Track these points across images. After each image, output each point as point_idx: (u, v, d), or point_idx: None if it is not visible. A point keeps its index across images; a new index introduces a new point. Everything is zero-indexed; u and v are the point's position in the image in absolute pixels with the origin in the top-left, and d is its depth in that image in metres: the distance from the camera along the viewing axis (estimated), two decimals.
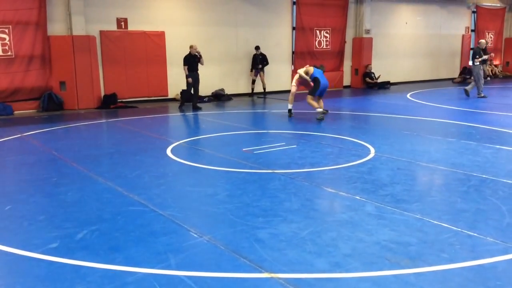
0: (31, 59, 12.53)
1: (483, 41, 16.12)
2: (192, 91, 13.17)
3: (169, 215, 4.84)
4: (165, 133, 10.14)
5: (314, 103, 10.91)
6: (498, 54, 24.26)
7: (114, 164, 7.04)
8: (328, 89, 11.36)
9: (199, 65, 13.01)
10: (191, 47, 12.92)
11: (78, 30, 12.85)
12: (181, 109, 13.11)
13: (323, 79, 10.94)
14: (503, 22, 23.96)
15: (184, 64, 12.85)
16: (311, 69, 11.10)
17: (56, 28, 12.86)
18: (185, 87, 14.73)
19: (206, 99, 14.88)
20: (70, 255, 3.93)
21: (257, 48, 15.86)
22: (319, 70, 11.12)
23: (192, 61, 12.86)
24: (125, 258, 3.87)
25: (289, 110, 11.46)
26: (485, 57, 15.23)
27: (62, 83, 12.92)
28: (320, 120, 10.61)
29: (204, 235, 4.31)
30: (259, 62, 15.91)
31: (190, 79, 12.84)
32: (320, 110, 10.86)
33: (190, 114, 12.50)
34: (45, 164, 7.13)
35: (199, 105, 13.41)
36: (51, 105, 12.74)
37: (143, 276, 3.57)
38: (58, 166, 6.95)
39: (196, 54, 12.91)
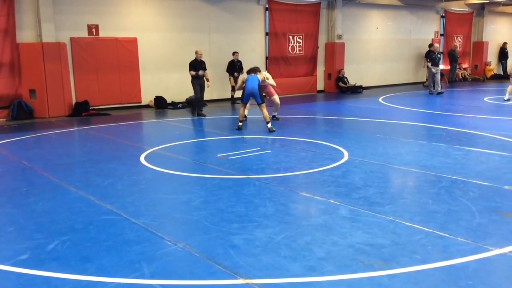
0: (0, 67, 12.26)
1: (436, 45, 18.51)
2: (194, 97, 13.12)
3: (143, 223, 4.78)
4: (139, 140, 10.04)
5: (240, 112, 10.38)
6: (467, 58, 24.83)
7: (86, 173, 6.93)
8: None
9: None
10: (196, 52, 12.83)
11: (48, 37, 12.62)
12: (194, 113, 12.98)
13: (250, 84, 10.07)
14: (471, 26, 24.53)
15: (190, 69, 12.71)
16: (246, 76, 10.40)
17: (25, 35, 12.61)
18: (159, 94, 14.73)
19: (180, 105, 14.81)
20: (40, 267, 3.84)
21: (235, 53, 15.56)
22: (253, 75, 10.19)
23: (198, 66, 12.73)
24: (97, 268, 3.81)
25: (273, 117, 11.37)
26: (429, 64, 17.55)
27: (32, 91, 12.66)
28: (237, 129, 10.12)
29: (179, 242, 4.28)
30: (238, 68, 15.60)
31: (194, 73, 12.62)
32: (240, 124, 10.21)
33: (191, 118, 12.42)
34: (14, 174, 6.97)
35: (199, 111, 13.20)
36: (21, 114, 12.47)
37: (116, 286, 3.52)
38: (28, 176, 6.80)
39: (202, 59, 12.83)
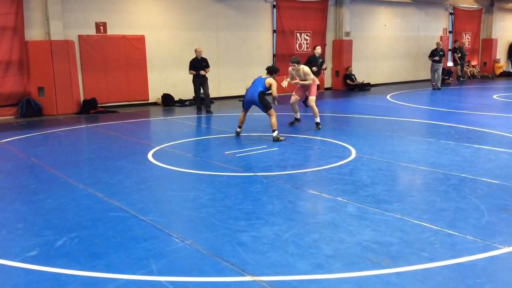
0: (9, 65, 12.34)
1: (438, 42, 19.52)
2: (199, 95, 13.01)
3: (151, 220, 4.80)
4: (146, 137, 10.08)
5: (240, 118, 9.36)
6: (475, 55, 24.66)
7: (94, 170, 6.96)
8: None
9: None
10: (195, 50, 12.84)
11: (56, 35, 12.69)
12: (198, 111, 12.96)
13: (251, 90, 9.08)
14: (480, 23, 24.35)
15: (190, 68, 12.74)
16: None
17: (34, 33, 12.69)
18: (166, 91, 14.78)
19: (187, 103, 14.83)
20: (49, 263, 3.87)
21: (316, 47, 13.73)
22: (261, 78, 9.12)
23: (198, 65, 12.71)
24: (105, 264, 3.83)
25: (296, 119, 10.40)
26: (436, 58, 18.39)
27: (41, 89, 12.74)
28: (235, 135, 9.23)
29: (186, 239, 4.29)
30: (320, 63, 13.67)
31: (194, 72, 12.68)
32: (238, 130, 9.24)
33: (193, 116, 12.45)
34: (23, 171, 7.02)
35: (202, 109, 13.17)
36: (30, 111, 12.55)
37: (124, 283, 3.53)
38: (37, 173, 6.84)
39: (202, 58, 12.80)
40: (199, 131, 10.83)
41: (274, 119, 8.91)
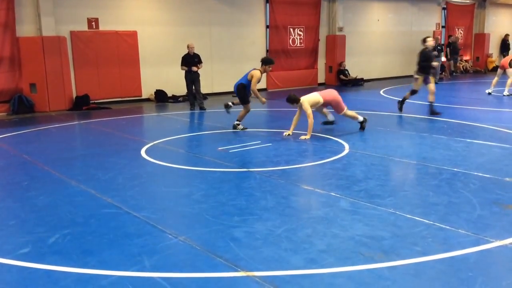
0: (0, 61, 12.24)
1: (437, 37, 19.88)
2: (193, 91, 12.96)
3: (144, 216, 4.79)
4: (139, 134, 10.04)
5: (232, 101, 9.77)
6: (468, 50, 24.73)
7: (87, 167, 6.93)
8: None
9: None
10: (188, 46, 12.76)
11: (48, 31, 12.60)
12: (192, 107, 12.95)
13: (236, 82, 9.57)
14: (472, 18, 24.42)
15: (182, 64, 12.68)
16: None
17: (25, 29, 12.59)
18: (159, 87, 14.74)
19: (180, 99, 14.79)
20: (42, 260, 3.85)
21: (427, 38, 11.25)
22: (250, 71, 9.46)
23: (190, 60, 12.64)
24: (98, 261, 3.82)
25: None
26: (435, 53, 17.53)
27: (33, 85, 12.66)
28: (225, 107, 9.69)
29: (179, 235, 4.28)
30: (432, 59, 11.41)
31: (186, 68, 12.64)
32: (229, 103, 9.66)
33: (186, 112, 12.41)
34: (15, 168, 6.98)
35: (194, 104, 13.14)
36: (22, 108, 12.47)
37: (117, 279, 3.53)
38: (29, 170, 6.81)
39: (194, 53, 12.73)
40: (192, 127, 10.80)
41: (243, 113, 9.40)
